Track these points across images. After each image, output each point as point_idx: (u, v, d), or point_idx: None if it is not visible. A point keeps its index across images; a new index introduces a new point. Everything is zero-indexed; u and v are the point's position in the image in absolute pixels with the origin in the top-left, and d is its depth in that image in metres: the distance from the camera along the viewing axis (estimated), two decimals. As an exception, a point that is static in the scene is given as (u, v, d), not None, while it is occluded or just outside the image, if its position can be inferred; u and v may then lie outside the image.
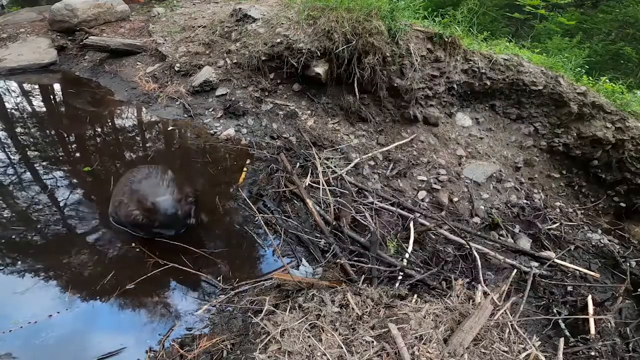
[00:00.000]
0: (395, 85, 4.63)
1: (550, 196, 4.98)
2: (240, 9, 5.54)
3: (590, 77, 5.22)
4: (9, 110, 5.07)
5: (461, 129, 5.01)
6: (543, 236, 4.22)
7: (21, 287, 2.69)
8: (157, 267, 2.88)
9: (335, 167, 4.05)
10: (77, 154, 4.22)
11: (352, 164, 4.17)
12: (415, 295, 2.57)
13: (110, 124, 4.85)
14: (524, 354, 2.20)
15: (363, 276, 2.88)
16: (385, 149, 4.59)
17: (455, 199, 4.36)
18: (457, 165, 4.74)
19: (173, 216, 2.76)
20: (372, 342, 2.11)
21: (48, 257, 2.92)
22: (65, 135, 4.48)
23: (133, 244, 3.01)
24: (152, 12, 6.85)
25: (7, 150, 4.15)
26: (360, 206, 3.70)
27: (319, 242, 3.23)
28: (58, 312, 2.53)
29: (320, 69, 4.64)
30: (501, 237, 4.09)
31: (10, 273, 2.79)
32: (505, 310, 2.48)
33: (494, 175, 4.75)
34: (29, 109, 5.14)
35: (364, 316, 2.31)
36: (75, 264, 2.88)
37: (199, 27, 5.86)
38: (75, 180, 3.73)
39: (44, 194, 3.50)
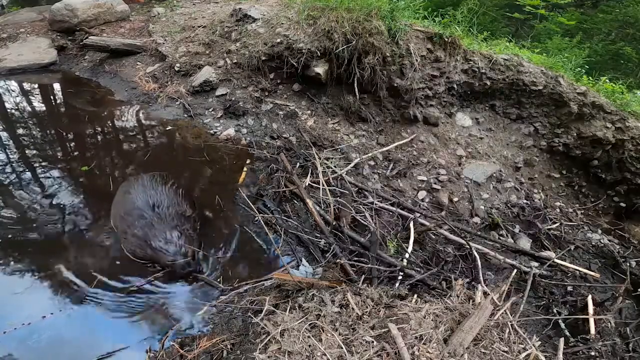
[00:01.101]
0: (395, 85, 4.63)
1: (550, 196, 4.98)
2: (240, 9, 5.54)
3: (590, 77, 5.22)
4: (8, 110, 5.07)
5: (461, 129, 5.01)
6: (543, 236, 4.22)
7: (19, 287, 2.68)
8: (157, 268, 2.88)
9: (335, 167, 4.05)
10: (76, 154, 4.21)
11: (352, 164, 4.17)
12: (415, 295, 2.57)
13: (109, 123, 4.85)
14: (524, 354, 2.20)
15: (363, 276, 2.88)
16: (385, 149, 4.59)
17: (455, 199, 4.35)
18: (457, 165, 4.74)
19: (186, 272, 2.75)
20: (372, 342, 2.10)
21: (45, 257, 2.91)
22: (65, 135, 4.48)
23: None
24: (152, 12, 6.85)
25: (6, 149, 4.15)
26: (360, 206, 3.69)
27: (319, 242, 3.23)
28: (52, 313, 2.52)
29: (320, 69, 4.64)
30: (501, 237, 4.09)
31: (7, 273, 2.78)
32: (505, 310, 2.48)
33: (494, 175, 4.75)
34: (29, 109, 5.14)
35: (364, 316, 2.31)
36: (74, 264, 2.88)
37: (199, 27, 5.86)
38: (72, 180, 3.72)
39: (41, 194, 3.50)
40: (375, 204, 3.76)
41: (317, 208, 3.52)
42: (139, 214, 2.88)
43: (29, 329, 2.42)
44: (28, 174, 3.78)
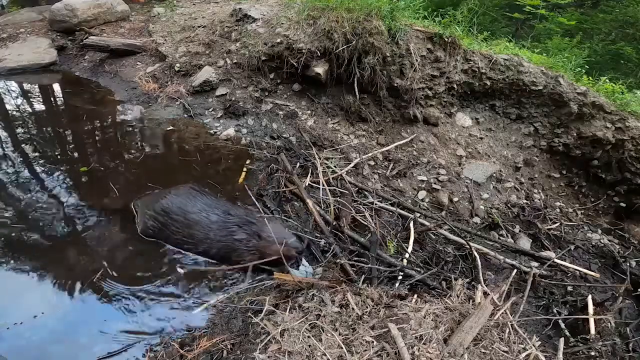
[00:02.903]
0: (395, 85, 4.63)
1: (550, 196, 4.98)
2: (240, 9, 5.54)
3: (590, 77, 5.21)
4: (8, 110, 5.06)
5: (461, 129, 5.01)
6: (543, 236, 4.22)
7: (17, 287, 2.68)
8: (157, 268, 2.88)
9: (335, 167, 4.05)
10: (76, 154, 4.21)
11: (352, 164, 4.17)
12: (415, 295, 2.57)
13: (109, 124, 4.85)
14: (524, 354, 2.20)
15: (363, 276, 2.88)
16: (385, 149, 4.59)
17: (455, 199, 4.36)
18: (457, 165, 4.74)
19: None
20: (372, 342, 2.11)
21: (43, 257, 2.90)
22: (64, 135, 4.48)
23: (134, 249, 3.01)
24: (152, 12, 6.85)
25: (5, 149, 4.15)
26: (360, 206, 3.69)
27: (319, 242, 3.23)
28: (48, 312, 2.51)
29: (320, 69, 4.64)
30: (501, 237, 4.09)
31: (4, 272, 2.77)
32: (505, 310, 2.48)
33: (494, 175, 4.75)
34: (29, 109, 5.13)
35: (364, 316, 2.31)
36: (72, 263, 2.87)
37: (199, 27, 5.86)
38: (71, 180, 3.72)
39: (40, 193, 3.49)
40: (375, 204, 3.76)
41: (317, 208, 3.52)
42: (220, 225, 2.93)
43: (27, 328, 2.41)
44: (27, 174, 3.77)
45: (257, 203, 3.31)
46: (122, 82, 5.55)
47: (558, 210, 4.81)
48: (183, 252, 2.98)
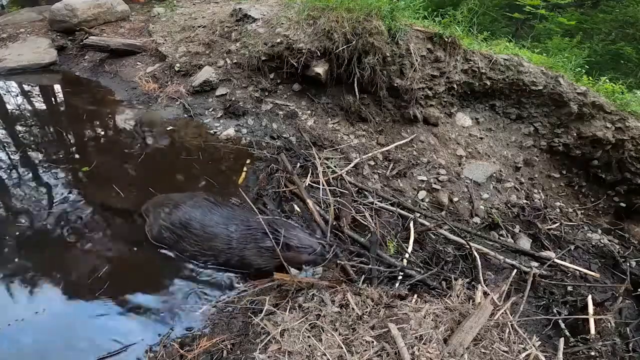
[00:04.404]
0: (395, 85, 4.63)
1: (550, 196, 4.98)
2: (240, 9, 5.54)
3: (590, 77, 5.21)
4: (8, 110, 5.06)
5: (461, 129, 5.01)
6: (543, 236, 4.22)
7: (17, 286, 2.68)
8: (159, 268, 2.88)
9: (335, 167, 4.05)
10: (76, 154, 4.21)
11: (352, 164, 4.17)
12: (415, 295, 2.57)
13: (110, 124, 4.85)
14: (524, 354, 2.20)
15: (363, 276, 2.88)
16: (385, 149, 4.59)
17: (455, 199, 4.36)
18: (457, 165, 4.74)
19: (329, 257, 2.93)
20: (372, 342, 2.11)
21: (43, 257, 2.90)
22: (65, 135, 4.48)
23: (135, 249, 3.01)
24: (152, 12, 6.85)
25: (6, 149, 4.15)
26: (360, 206, 3.69)
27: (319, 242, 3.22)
28: (49, 310, 2.51)
29: (320, 69, 4.64)
30: (501, 237, 4.09)
31: (5, 272, 2.77)
32: (505, 310, 2.48)
33: (494, 175, 4.75)
34: (29, 109, 5.13)
35: (364, 316, 2.31)
36: (72, 263, 2.88)
37: (199, 27, 5.86)
38: (72, 180, 3.72)
39: (41, 193, 3.49)
40: (375, 204, 3.76)
41: (317, 208, 3.52)
42: (243, 234, 2.89)
43: (26, 328, 2.41)
44: (28, 174, 3.77)
45: (252, 205, 3.26)
46: (122, 82, 5.55)
47: (558, 210, 4.81)
48: (199, 263, 2.93)
